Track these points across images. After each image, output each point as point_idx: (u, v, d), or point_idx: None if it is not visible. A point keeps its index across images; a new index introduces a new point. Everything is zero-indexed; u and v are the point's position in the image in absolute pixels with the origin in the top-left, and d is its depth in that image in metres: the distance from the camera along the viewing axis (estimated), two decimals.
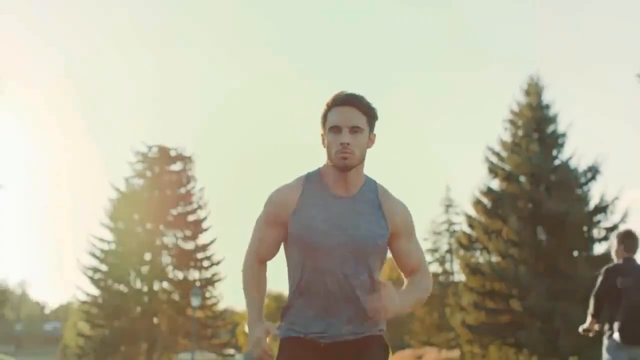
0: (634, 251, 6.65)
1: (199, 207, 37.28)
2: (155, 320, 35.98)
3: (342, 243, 3.02)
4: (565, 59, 77.17)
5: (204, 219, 37.09)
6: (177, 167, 37.63)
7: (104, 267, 36.01)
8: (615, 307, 6.47)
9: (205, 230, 37.03)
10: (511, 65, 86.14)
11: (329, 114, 3.08)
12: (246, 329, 3.10)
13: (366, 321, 3.08)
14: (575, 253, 27.26)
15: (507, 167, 29.16)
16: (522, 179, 28.60)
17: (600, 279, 6.61)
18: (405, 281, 3.23)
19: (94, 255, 35.91)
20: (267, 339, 3.08)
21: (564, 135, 28.90)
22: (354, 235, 3.03)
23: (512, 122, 29.79)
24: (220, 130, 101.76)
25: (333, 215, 3.05)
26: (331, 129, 3.05)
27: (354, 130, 3.02)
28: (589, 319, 6.67)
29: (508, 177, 28.84)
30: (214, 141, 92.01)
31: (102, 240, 36.15)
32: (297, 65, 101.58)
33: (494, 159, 29.71)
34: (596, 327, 6.67)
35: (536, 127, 28.92)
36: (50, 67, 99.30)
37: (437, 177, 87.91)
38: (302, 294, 3.10)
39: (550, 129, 29.16)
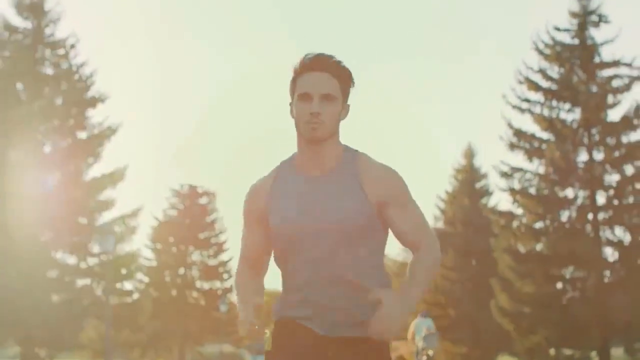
0: None
1: (220, 232, 43.41)
2: (186, 321, 41.90)
3: (319, 230, 2.63)
4: None
5: (225, 241, 42.88)
6: (203, 200, 44.08)
7: (146, 279, 42.29)
8: None
9: (226, 250, 42.74)
10: (502, 50, 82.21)
11: (298, 79, 2.66)
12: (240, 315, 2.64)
13: (358, 313, 2.66)
14: (495, 278, 32.71)
15: (449, 213, 37.59)
16: (457, 222, 36.76)
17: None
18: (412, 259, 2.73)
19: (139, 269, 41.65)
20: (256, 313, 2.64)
21: (487, 191, 37.27)
22: (330, 220, 2.63)
23: (454, 177, 38.19)
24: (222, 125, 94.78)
25: (304, 202, 2.67)
26: (300, 97, 2.63)
27: (325, 98, 2.61)
28: None
29: (448, 221, 37.32)
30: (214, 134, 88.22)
31: (145, 258, 42.06)
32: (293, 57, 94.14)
33: (441, 205, 38.33)
34: None
35: (468, 185, 37.17)
36: None
37: (429, 166, 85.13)
38: (289, 288, 2.74)
39: (480, 184, 37.56)
